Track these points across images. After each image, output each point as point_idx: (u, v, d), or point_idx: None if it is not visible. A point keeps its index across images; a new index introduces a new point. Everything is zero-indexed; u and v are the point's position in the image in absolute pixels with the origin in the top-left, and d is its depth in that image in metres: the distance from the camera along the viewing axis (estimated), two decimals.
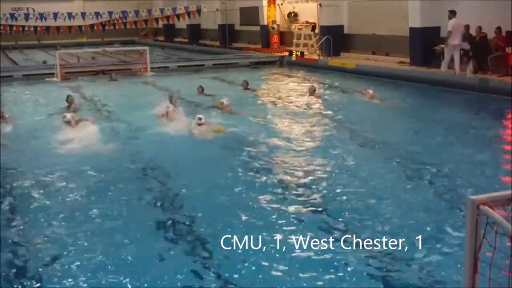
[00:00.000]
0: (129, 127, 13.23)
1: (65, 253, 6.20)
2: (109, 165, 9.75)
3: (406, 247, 6.04)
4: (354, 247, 6.13)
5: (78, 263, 5.93)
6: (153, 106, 14.24)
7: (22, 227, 7.06)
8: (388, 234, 6.39)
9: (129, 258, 6.05)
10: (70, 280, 5.62)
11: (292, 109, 15.06)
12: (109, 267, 5.86)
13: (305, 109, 15.01)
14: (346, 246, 6.13)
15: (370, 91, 15.60)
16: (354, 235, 6.43)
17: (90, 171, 9.30)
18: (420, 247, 6.06)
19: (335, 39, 24.02)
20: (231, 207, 7.49)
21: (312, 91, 16.67)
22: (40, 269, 5.88)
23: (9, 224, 7.18)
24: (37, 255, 6.21)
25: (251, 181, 8.62)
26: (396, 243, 6.08)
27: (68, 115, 12.86)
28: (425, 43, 19.84)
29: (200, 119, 11.93)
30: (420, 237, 6.23)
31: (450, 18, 18.04)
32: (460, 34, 18.06)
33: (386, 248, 6.05)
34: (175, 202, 7.86)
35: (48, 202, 7.95)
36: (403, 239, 6.19)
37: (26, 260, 6.12)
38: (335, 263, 5.82)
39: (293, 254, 5.99)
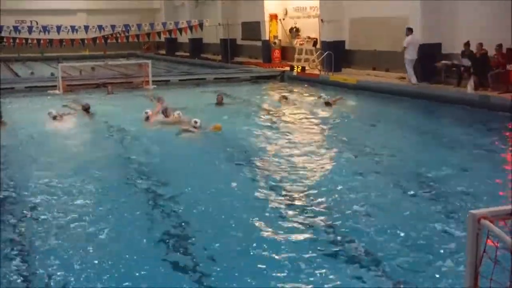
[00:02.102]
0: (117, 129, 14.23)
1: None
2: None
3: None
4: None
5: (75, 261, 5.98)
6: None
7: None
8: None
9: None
10: None
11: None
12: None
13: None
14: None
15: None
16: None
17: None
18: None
19: (336, 54, 24.10)
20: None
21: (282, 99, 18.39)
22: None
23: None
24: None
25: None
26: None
27: (53, 111, 14.94)
28: (425, 59, 19.90)
29: (196, 122, 13.09)
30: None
31: (407, 35, 19.84)
32: (415, 49, 19.86)
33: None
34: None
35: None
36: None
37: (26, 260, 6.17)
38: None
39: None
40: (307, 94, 21.19)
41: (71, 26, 31.64)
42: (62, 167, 10.58)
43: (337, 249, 6.59)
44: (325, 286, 5.70)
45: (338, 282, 5.78)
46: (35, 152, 12.02)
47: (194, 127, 13.09)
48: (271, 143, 12.71)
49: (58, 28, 31.41)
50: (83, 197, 8.69)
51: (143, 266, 6.16)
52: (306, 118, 15.89)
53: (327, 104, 17.66)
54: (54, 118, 15.33)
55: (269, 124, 15.16)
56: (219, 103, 17.78)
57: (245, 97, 20.42)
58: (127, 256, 6.43)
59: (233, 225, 7.36)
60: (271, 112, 17.04)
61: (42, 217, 7.85)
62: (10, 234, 7.28)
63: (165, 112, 14.76)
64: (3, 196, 8.87)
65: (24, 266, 6.30)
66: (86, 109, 16.72)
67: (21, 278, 6.01)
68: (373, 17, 23.42)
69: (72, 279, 5.92)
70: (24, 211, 8.15)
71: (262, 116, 16.45)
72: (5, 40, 32.16)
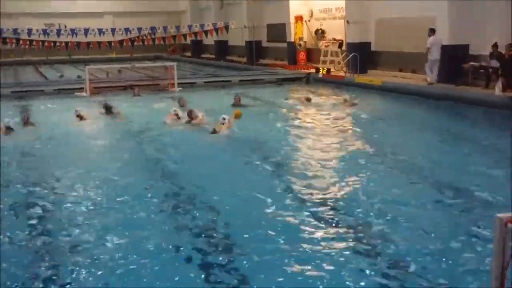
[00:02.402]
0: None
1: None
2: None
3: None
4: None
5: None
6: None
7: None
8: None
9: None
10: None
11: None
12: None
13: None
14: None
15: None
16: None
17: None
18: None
19: (362, 56, 24.00)
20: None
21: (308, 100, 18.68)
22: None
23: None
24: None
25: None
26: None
27: (79, 109, 15.78)
28: (453, 61, 19.72)
29: (224, 118, 13.57)
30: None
31: (429, 36, 20.02)
32: (438, 49, 19.99)
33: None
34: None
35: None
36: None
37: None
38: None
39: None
40: (333, 96, 21.11)
41: (98, 29, 31.95)
42: (87, 167, 10.73)
43: (363, 250, 6.56)
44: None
45: (362, 283, 5.77)
46: (60, 152, 12.21)
47: (222, 123, 13.51)
48: (291, 143, 12.78)
49: (86, 31, 31.79)
50: (105, 197, 8.78)
51: (168, 271, 6.19)
52: (329, 119, 15.87)
53: (345, 101, 18.49)
54: (79, 117, 15.74)
55: (290, 124, 15.22)
56: (237, 104, 17.83)
57: (268, 98, 20.46)
58: (150, 260, 6.47)
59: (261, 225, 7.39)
60: (292, 113, 17.07)
61: (65, 216, 7.96)
62: (35, 231, 7.41)
63: (190, 114, 14.88)
64: (27, 194, 9.05)
65: (49, 263, 6.39)
66: (108, 108, 16.94)
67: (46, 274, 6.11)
68: (399, 18, 23.26)
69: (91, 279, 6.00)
70: (48, 210, 8.27)
71: (283, 117, 16.51)
72: (34, 43, 32.45)
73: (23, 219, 7.95)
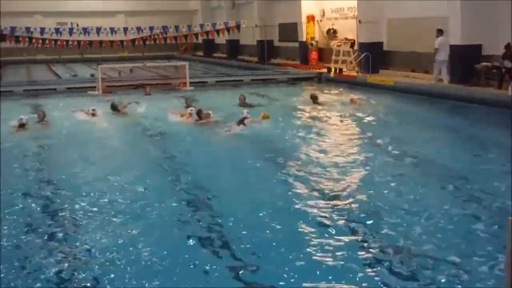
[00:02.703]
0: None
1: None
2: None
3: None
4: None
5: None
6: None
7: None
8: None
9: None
10: None
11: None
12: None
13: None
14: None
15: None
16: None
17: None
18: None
19: (374, 56, 23.95)
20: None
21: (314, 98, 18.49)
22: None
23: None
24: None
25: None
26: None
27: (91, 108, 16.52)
28: (465, 61, 19.64)
29: (248, 113, 14.34)
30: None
31: (437, 36, 19.93)
32: (446, 50, 19.87)
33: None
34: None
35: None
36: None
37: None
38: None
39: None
40: (341, 95, 21.10)
41: (110, 28, 32.07)
42: (100, 164, 10.98)
43: (378, 250, 6.56)
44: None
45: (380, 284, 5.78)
46: (73, 149, 12.42)
47: (245, 117, 14.12)
48: (299, 142, 12.86)
49: (98, 30, 31.91)
50: (119, 194, 8.86)
51: (185, 268, 6.23)
52: (340, 119, 15.89)
53: (352, 101, 18.52)
54: (91, 114, 16.32)
55: (300, 124, 15.28)
56: (242, 103, 17.86)
57: (279, 97, 20.50)
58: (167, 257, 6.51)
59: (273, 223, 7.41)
60: (302, 113, 17.07)
61: (81, 214, 8.02)
62: (52, 229, 7.48)
63: (199, 114, 14.98)
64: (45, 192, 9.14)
65: (66, 262, 6.45)
66: (115, 107, 17.19)
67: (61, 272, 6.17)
68: (412, 18, 23.20)
69: (111, 277, 6.04)
70: (64, 207, 8.36)
71: (292, 116, 16.54)
72: (47, 42, 32.64)
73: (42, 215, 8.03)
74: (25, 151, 12.25)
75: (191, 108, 15.86)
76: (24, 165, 11.05)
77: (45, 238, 7.18)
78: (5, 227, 7.50)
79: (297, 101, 19.83)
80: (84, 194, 8.94)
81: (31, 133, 14.07)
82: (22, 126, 14.25)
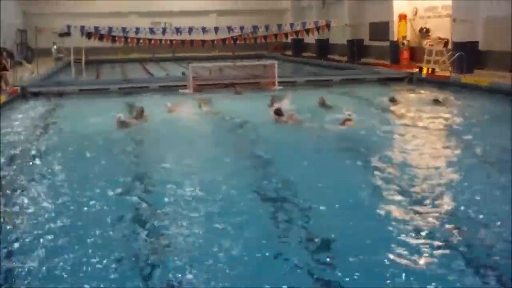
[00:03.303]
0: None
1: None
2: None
3: None
4: None
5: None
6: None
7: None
8: None
9: None
10: None
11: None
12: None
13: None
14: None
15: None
16: None
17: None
18: None
19: (469, 55, 23.16)
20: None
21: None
22: None
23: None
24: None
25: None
26: None
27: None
28: None
29: (350, 114, 14.48)
30: None
31: None
32: None
33: None
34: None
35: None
36: None
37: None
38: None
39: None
40: (436, 96, 20.54)
41: (201, 27, 32.69)
42: (193, 158, 11.41)
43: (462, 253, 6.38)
44: None
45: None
46: (165, 144, 13.01)
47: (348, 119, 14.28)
48: (386, 142, 12.80)
49: (190, 30, 32.60)
50: (205, 191, 9.07)
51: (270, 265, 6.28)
52: (435, 120, 15.51)
53: (436, 101, 18.10)
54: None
55: (383, 123, 15.18)
56: (321, 104, 17.73)
57: (368, 97, 20.24)
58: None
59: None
60: (385, 112, 16.84)
61: (171, 211, 8.24)
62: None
63: (278, 112, 15.14)
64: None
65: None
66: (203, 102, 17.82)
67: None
68: (510, 16, 22.26)
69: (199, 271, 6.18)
70: (158, 202, 8.64)
71: (376, 115, 16.42)
72: (142, 41, 33.65)
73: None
74: (130, 145, 12.95)
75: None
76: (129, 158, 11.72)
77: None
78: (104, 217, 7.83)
79: (385, 101, 19.43)
80: (177, 187, 9.24)
81: (133, 129, 14.68)
82: (123, 122, 14.87)
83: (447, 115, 16.14)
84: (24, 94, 22.13)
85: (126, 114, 15.93)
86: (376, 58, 34.23)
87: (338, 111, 16.13)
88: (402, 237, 6.99)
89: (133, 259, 6.55)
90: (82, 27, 31.14)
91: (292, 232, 7.30)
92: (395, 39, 31.14)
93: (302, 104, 17.56)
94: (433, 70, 25.13)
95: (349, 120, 14.27)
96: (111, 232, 7.39)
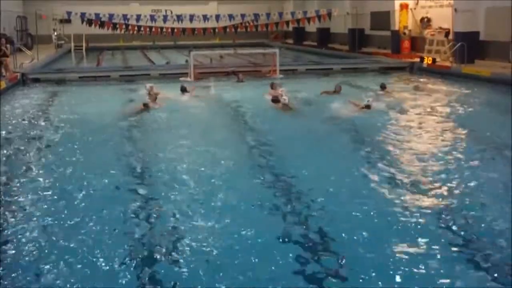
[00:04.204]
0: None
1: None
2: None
3: None
4: None
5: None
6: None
7: None
8: None
9: None
10: None
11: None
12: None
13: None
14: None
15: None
16: None
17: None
18: None
19: (470, 46, 23.13)
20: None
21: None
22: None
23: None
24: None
25: None
26: None
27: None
28: None
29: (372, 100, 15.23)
30: None
31: None
32: None
33: None
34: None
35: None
36: None
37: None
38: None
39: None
40: (440, 86, 20.58)
41: (203, 15, 32.61)
42: (196, 142, 11.59)
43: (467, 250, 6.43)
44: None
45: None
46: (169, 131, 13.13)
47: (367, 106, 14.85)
48: (389, 132, 12.70)
49: (191, 17, 32.54)
50: (207, 175, 9.20)
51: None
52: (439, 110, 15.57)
53: (383, 87, 18.40)
54: (184, 90, 17.96)
55: (389, 113, 15.13)
56: (337, 91, 17.96)
57: (368, 86, 20.27)
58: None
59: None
60: (394, 103, 16.85)
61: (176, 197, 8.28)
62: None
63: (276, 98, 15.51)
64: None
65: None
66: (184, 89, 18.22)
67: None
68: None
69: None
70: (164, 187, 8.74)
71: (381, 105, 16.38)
72: (142, 29, 33.56)
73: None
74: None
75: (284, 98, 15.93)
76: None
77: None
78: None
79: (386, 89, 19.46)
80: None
81: (151, 112, 15.12)
82: (145, 105, 15.49)
83: (443, 104, 16.20)
84: (24, 80, 22.14)
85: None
86: (377, 47, 34.18)
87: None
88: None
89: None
90: (83, 14, 31.09)
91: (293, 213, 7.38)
92: (396, 28, 31.08)
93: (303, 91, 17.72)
94: (434, 60, 25.10)
95: (368, 106, 14.80)
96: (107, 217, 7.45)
